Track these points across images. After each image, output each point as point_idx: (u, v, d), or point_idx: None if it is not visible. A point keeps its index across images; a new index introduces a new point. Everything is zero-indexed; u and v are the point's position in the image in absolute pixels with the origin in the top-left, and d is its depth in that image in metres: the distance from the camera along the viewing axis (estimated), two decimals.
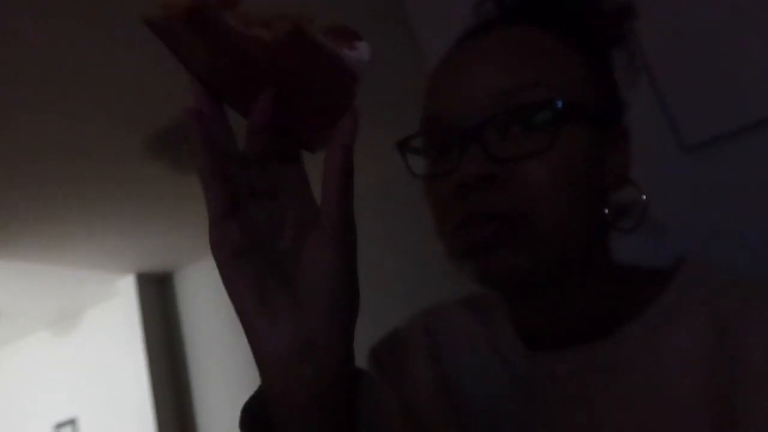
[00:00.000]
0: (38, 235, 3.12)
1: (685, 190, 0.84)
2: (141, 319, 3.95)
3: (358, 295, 0.40)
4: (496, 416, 0.54)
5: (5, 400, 4.64)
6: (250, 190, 0.40)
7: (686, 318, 0.49)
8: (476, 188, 0.48)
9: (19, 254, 3.28)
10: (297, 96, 0.38)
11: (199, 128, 0.38)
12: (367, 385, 0.41)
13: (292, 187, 0.40)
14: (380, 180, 2.50)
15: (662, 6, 0.91)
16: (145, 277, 4.07)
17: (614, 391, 0.49)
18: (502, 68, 0.51)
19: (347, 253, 0.38)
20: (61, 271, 3.65)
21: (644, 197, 0.54)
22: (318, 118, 0.39)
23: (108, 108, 2.20)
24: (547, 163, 0.48)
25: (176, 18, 0.36)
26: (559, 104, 0.48)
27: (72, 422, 4.26)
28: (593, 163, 0.51)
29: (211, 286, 3.97)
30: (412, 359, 0.62)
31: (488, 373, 0.57)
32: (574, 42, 0.53)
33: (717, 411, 0.44)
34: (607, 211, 0.52)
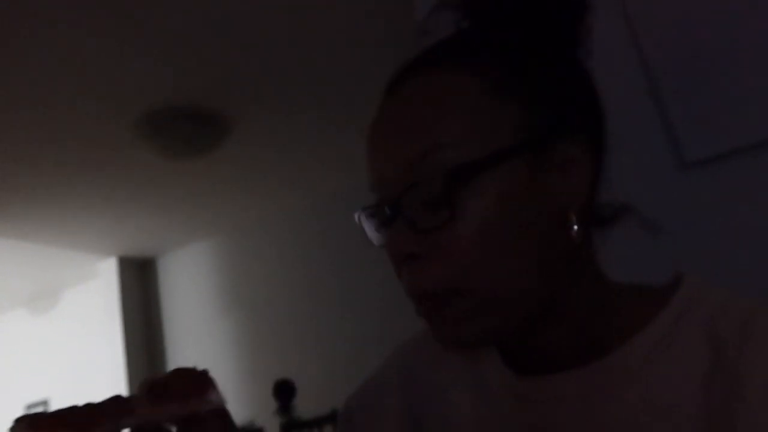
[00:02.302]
0: (20, 212, 3.08)
1: (685, 207, 0.84)
2: (120, 303, 3.91)
3: None
4: None
5: None
6: None
7: (683, 340, 0.47)
8: (405, 263, 0.48)
9: (0, 230, 3.24)
10: None
11: None
12: None
13: None
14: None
15: (665, 23, 0.90)
16: (126, 261, 4.03)
17: (612, 413, 0.48)
18: (405, 135, 0.48)
19: None
20: (41, 249, 3.60)
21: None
22: None
23: (95, 92, 2.18)
24: (468, 228, 0.46)
25: None
26: (459, 166, 0.46)
27: (44, 403, 4.21)
28: (533, 199, 0.47)
29: (193, 274, 3.95)
30: (384, 420, 0.61)
31: (475, 412, 0.55)
32: (504, 69, 0.49)
33: None
34: (576, 228, 0.48)
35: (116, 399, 0.43)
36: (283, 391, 3.46)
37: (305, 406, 3.42)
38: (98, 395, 0.44)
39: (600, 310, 0.52)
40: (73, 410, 0.41)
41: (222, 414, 0.47)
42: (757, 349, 0.44)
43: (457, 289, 0.47)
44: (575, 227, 0.48)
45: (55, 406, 4.15)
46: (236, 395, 3.59)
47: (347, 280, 3.54)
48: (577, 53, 0.54)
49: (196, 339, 3.83)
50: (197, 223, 3.63)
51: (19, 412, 0.44)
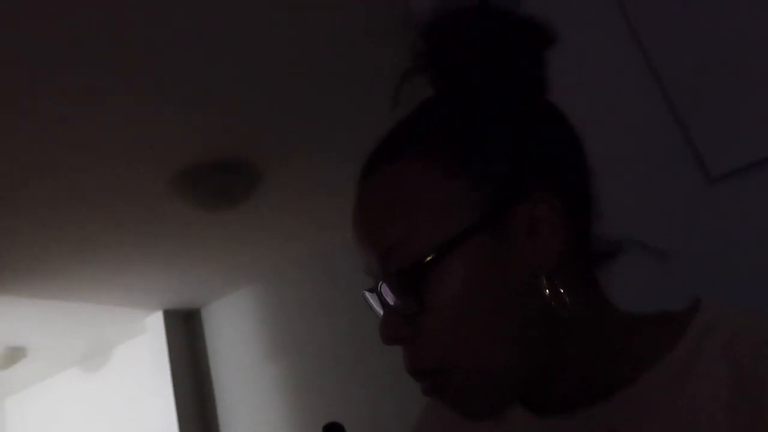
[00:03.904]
0: (68, 273, 3.17)
1: (711, 222, 0.83)
2: (168, 354, 3.97)
3: None
4: None
5: None
6: None
7: (703, 367, 0.46)
8: (398, 345, 0.50)
9: (48, 292, 3.34)
10: None
11: None
12: None
13: None
14: None
15: (685, 38, 0.91)
16: (172, 314, 4.09)
17: None
18: (373, 231, 0.50)
19: None
20: (90, 308, 3.69)
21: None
22: None
23: (133, 148, 2.26)
24: (438, 313, 0.47)
25: None
26: (417, 260, 0.46)
27: None
28: (501, 270, 0.47)
29: (237, 321, 3.99)
30: None
31: None
32: (450, 148, 0.49)
33: None
34: (548, 293, 0.47)
35: None
36: None
37: None
38: None
39: (612, 347, 0.51)
40: None
41: None
42: None
43: (442, 368, 0.48)
44: (546, 291, 0.46)
45: None
46: None
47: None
48: (539, 99, 0.53)
49: (244, 385, 3.85)
50: (238, 272, 3.69)
51: None
